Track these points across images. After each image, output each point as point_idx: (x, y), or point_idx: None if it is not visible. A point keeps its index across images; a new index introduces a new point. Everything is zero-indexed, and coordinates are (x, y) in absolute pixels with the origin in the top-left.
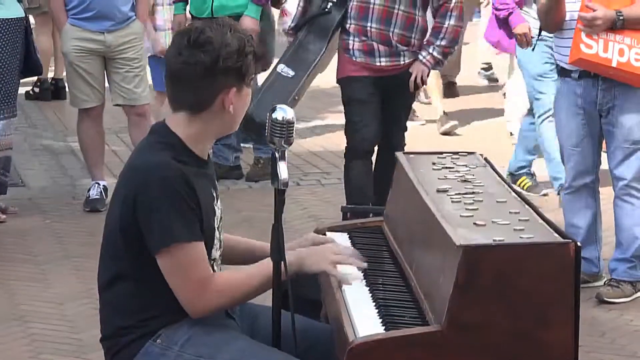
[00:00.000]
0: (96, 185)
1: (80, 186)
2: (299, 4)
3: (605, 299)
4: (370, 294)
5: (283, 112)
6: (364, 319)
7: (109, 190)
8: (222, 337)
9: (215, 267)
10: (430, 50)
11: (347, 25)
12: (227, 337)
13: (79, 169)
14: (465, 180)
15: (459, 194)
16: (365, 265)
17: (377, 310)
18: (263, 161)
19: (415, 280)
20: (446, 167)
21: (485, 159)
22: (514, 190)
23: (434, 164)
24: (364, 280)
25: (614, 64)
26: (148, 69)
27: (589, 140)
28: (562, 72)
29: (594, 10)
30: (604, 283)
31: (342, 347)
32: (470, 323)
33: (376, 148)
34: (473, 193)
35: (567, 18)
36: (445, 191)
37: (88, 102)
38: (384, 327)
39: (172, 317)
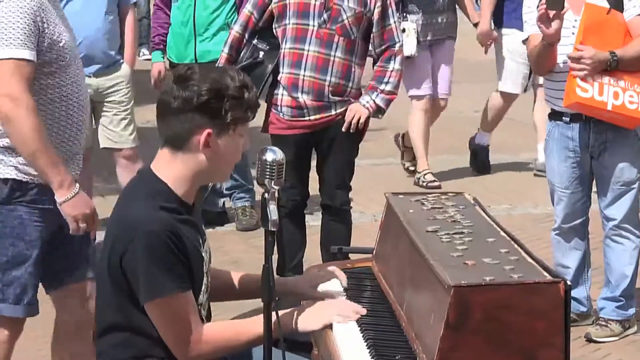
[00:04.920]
0: None
1: None
2: (222, 50)
3: (594, 338)
4: (362, 334)
5: (273, 154)
6: (355, 359)
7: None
8: None
9: (202, 311)
10: (374, 97)
11: (279, 75)
12: None
13: None
14: (454, 221)
15: (449, 234)
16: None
17: (368, 351)
18: (249, 209)
19: (406, 320)
20: (435, 208)
21: (474, 199)
22: (503, 230)
23: (423, 204)
24: (355, 320)
25: (609, 107)
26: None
27: (579, 182)
28: (553, 116)
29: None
30: (593, 322)
31: None
32: None
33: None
34: (462, 233)
35: (559, 61)
36: (435, 231)
37: None
38: None
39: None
